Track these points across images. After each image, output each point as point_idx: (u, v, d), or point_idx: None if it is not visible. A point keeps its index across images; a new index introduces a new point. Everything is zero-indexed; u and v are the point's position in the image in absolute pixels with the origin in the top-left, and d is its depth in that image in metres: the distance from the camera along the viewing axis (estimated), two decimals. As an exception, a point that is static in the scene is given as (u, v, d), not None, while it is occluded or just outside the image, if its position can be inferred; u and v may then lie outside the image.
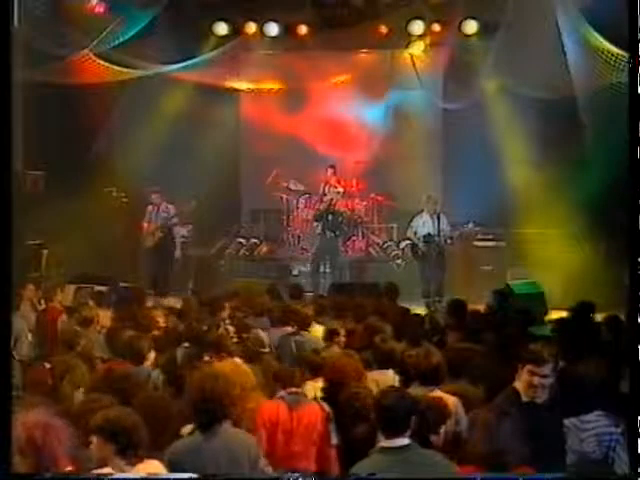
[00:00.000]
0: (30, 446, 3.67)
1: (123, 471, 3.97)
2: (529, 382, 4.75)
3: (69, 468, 3.85)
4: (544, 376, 4.76)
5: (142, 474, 4.00)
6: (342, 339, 6.89)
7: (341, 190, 13.74)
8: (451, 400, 5.12)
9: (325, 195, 13.81)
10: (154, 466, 4.12)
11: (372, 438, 4.40)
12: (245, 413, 5.26)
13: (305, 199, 14.93)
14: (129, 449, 4.01)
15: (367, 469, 4.06)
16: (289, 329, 7.67)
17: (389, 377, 5.93)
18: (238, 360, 6.16)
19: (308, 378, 5.82)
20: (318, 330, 7.50)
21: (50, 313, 9.03)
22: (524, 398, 4.74)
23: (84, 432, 4.12)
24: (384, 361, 6.12)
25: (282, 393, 5.56)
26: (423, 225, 12.22)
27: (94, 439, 4.04)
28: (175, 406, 4.91)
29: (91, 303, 9.01)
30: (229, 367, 5.53)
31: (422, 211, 12.34)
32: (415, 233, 12.31)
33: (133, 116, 14.00)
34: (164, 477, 4.13)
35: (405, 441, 4.10)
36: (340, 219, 12.98)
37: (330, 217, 12.92)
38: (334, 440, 5.43)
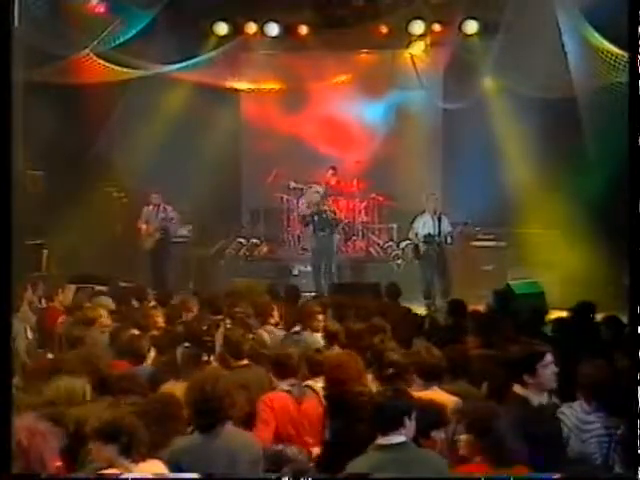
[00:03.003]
0: (18, 449, 3.66)
1: (129, 470, 3.98)
2: (552, 372, 4.72)
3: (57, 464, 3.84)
4: (553, 363, 4.75)
5: (148, 474, 4.00)
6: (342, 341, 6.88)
7: (321, 190, 13.69)
8: (451, 400, 5.12)
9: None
10: (157, 465, 4.12)
11: (372, 438, 4.42)
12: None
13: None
14: (132, 447, 4.02)
15: (362, 466, 4.11)
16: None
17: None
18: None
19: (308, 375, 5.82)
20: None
21: (50, 313, 9.03)
22: (539, 396, 4.71)
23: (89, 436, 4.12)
24: (384, 361, 6.10)
25: (285, 386, 5.54)
26: (424, 225, 12.21)
27: (93, 445, 4.04)
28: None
29: (91, 303, 8.98)
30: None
31: (424, 212, 12.33)
32: (416, 234, 12.30)
33: (133, 116, 13.99)
34: (169, 477, 4.13)
35: (401, 438, 4.15)
36: (328, 217, 12.96)
37: (316, 217, 12.93)
38: (327, 436, 5.43)
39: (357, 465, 4.13)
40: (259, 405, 5.39)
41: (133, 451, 4.02)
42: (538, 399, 4.70)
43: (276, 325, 7.93)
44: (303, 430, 5.43)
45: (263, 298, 9.04)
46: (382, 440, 4.16)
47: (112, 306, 8.58)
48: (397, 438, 4.14)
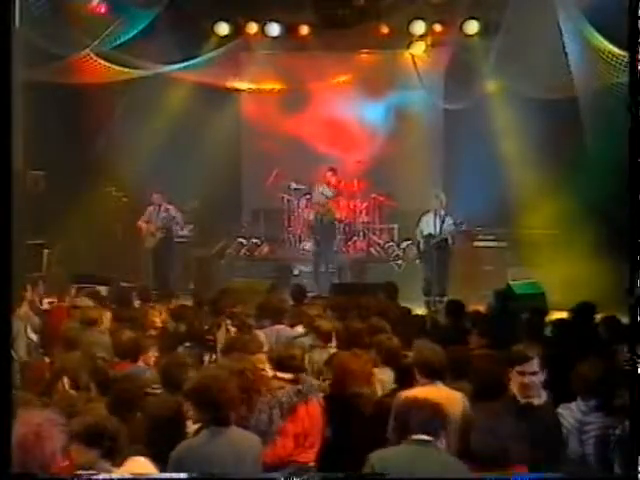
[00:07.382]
0: (22, 446, 3.66)
1: (110, 472, 3.93)
2: (520, 382, 4.76)
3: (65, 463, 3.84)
4: (532, 373, 4.78)
5: (137, 474, 3.99)
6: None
7: (327, 192, 13.66)
8: (454, 396, 5.11)
9: (313, 197, 13.86)
10: (140, 463, 4.08)
11: (371, 437, 4.44)
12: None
13: (306, 199, 14.93)
14: (114, 451, 3.99)
15: (392, 455, 4.22)
16: (289, 329, 7.68)
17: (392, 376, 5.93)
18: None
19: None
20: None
21: (52, 313, 9.03)
22: (520, 400, 4.74)
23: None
24: (387, 360, 6.11)
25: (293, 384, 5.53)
26: (427, 225, 12.21)
27: (74, 446, 4.00)
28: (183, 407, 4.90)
29: (93, 303, 8.98)
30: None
31: (428, 211, 12.31)
32: (421, 232, 12.30)
33: (134, 116, 14.00)
34: (163, 477, 4.12)
35: (430, 438, 4.26)
36: (331, 218, 12.97)
37: (319, 218, 12.93)
38: (328, 435, 5.43)
39: (386, 454, 4.23)
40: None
41: (115, 455, 3.99)
42: (534, 401, 4.69)
43: (274, 325, 7.92)
44: (308, 431, 5.42)
45: (266, 298, 9.05)
46: (416, 436, 4.25)
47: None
48: (427, 437, 4.25)
